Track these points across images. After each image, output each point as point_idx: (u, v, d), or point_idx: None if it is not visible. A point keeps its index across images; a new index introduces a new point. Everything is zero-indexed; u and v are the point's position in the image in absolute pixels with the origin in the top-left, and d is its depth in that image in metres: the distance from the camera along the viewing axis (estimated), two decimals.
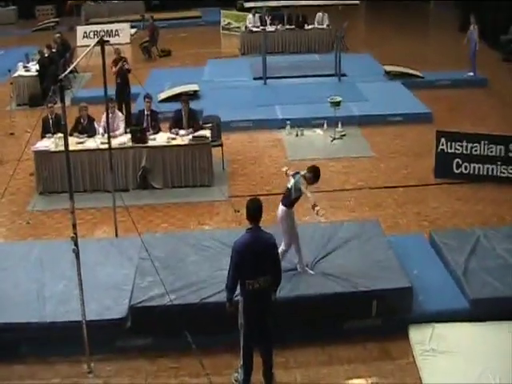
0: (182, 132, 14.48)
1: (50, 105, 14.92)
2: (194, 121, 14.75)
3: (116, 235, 11.57)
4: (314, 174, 9.50)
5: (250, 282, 7.83)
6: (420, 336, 9.02)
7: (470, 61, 21.21)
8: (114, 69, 17.12)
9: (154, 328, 9.11)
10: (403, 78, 20.95)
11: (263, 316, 8.05)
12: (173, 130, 14.56)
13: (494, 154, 13.80)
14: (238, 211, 12.28)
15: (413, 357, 8.77)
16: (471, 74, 21.15)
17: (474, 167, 13.98)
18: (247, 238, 7.90)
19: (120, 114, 15.30)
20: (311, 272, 9.72)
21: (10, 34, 33.32)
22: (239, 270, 7.84)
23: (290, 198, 9.50)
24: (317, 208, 9.07)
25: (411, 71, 21.24)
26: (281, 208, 9.59)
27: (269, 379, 8.31)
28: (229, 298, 8.06)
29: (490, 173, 13.89)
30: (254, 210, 7.90)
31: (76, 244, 8.29)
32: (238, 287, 7.98)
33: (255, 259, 7.83)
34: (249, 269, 7.84)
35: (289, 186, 9.54)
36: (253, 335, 8.06)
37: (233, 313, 8.07)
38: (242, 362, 8.20)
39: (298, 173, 9.54)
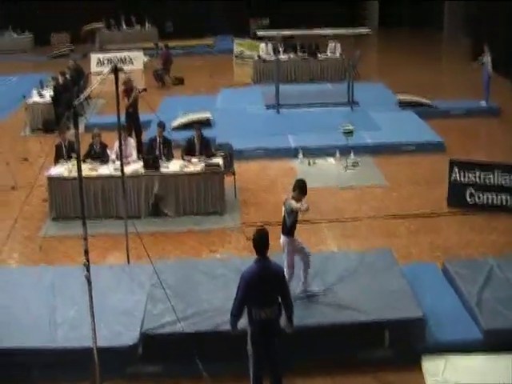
0: (194, 160, 14.52)
1: (60, 132, 14.95)
2: (206, 148, 14.81)
3: (128, 262, 11.55)
4: (299, 190, 9.50)
5: (257, 312, 7.84)
6: (433, 367, 8.93)
7: (482, 89, 21.21)
8: (126, 100, 17.00)
9: (165, 355, 9.08)
10: (416, 106, 20.96)
11: (271, 345, 8.03)
12: (185, 157, 14.61)
13: (507, 183, 13.74)
14: (250, 239, 12.23)
15: None
16: (483, 102, 21.15)
17: (488, 196, 13.93)
18: (255, 268, 7.91)
19: (132, 140, 15.36)
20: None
21: (26, 61, 33.68)
22: (246, 299, 7.86)
23: (287, 225, 9.57)
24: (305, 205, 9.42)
25: (423, 100, 21.26)
26: (282, 237, 9.69)
27: None
28: (232, 324, 8.06)
29: (503, 202, 13.83)
30: (260, 241, 7.92)
31: (88, 270, 8.27)
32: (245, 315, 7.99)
33: (263, 290, 7.85)
34: (256, 299, 7.86)
35: (283, 213, 9.64)
36: (261, 364, 8.04)
37: (238, 335, 8.06)
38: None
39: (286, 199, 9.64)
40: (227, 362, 8.75)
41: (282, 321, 8.13)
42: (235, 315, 8.00)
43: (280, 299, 8.06)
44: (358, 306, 9.47)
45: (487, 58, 20.99)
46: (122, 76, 10.63)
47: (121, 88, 16.00)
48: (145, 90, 17.98)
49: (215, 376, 8.64)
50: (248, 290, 7.82)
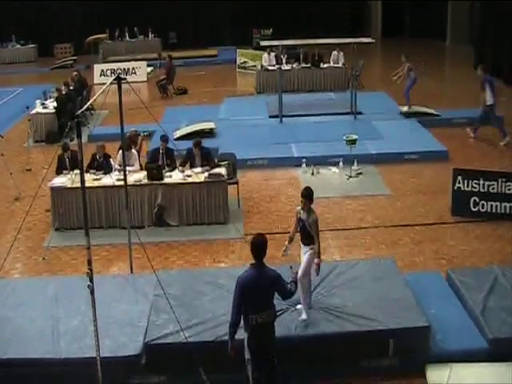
0: (197, 169, 14.51)
1: (63, 149, 14.91)
2: (207, 159, 14.80)
3: (131, 272, 11.55)
4: (309, 199, 9.46)
5: (253, 317, 7.85)
6: (438, 376, 8.88)
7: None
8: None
9: (168, 365, 9.05)
10: (419, 116, 20.94)
11: (268, 349, 8.05)
12: (180, 168, 14.60)
13: (511, 192, 13.71)
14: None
15: None
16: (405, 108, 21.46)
17: (492, 205, 13.89)
18: (251, 272, 7.93)
19: (134, 151, 15.32)
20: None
21: (30, 72, 33.75)
22: (243, 304, 7.87)
23: (309, 235, 9.48)
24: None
25: (427, 110, 21.23)
26: (305, 248, 9.57)
27: None
28: (231, 335, 8.02)
29: (507, 211, 13.79)
30: (258, 246, 7.93)
31: (91, 280, 8.25)
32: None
33: (259, 294, 7.87)
34: (252, 304, 7.87)
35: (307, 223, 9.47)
36: (260, 369, 8.01)
37: (234, 355, 8.05)
38: None
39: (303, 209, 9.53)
40: (230, 371, 8.71)
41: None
42: (234, 323, 7.98)
43: (282, 299, 8.28)
44: (362, 314, 9.45)
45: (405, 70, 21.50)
46: (126, 87, 10.55)
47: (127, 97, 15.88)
48: (149, 134, 18.20)
49: None
50: (244, 294, 7.84)
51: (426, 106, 21.49)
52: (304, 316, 9.39)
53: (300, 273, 9.20)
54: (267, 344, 8.04)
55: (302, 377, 8.94)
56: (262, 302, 7.92)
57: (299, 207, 9.54)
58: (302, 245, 9.62)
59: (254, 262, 7.96)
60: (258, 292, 7.84)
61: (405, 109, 21.40)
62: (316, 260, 9.39)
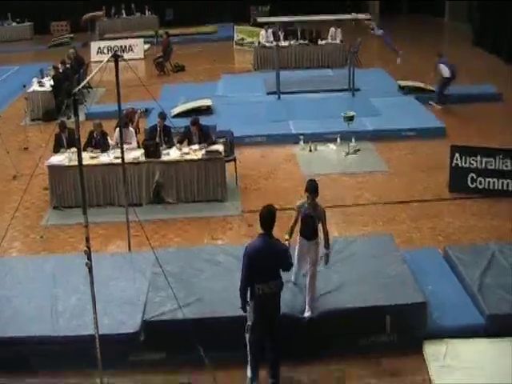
0: (195, 146, 14.50)
1: (60, 127, 14.87)
2: (205, 137, 14.77)
3: (129, 250, 11.56)
4: (316, 193, 9.10)
5: (260, 287, 7.97)
6: (435, 352, 8.94)
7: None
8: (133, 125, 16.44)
9: (167, 343, 9.09)
10: (417, 92, 20.89)
11: (273, 316, 8.23)
12: (178, 146, 14.60)
13: (508, 168, 13.71)
14: (252, 225, 12.27)
15: (427, 373, 8.69)
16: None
17: (489, 182, 13.90)
18: (259, 243, 8.02)
19: (132, 129, 15.30)
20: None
21: (26, 50, 33.59)
22: (250, 274, 7.95)
23: (315, 229, 9.27)
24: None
25: (425, 86, 21.16)
26: (311, 243, 9.28)
27: (275, 376, 8.48)
28: (243, 304, 8.18)
29: (504, 187, 13.80)
30: (267, 217, 8.00)
31: (89, 258, 8.27)
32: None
33: (266, 264, 7.97)
34: (260, 273, 7.98)
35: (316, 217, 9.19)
36: (262, 330, 8.21)
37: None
38: (249, 357, 8.33)
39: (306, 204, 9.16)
40: (229, 349, 8.75)
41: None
42: (243, 293, 8.11)
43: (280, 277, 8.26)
44: (359, 291, 9.48)
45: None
46: (123, 65, 10.49)
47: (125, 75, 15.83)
48: (146, 111, 18.17)
49: (217, 363, 8.63)
50: (252, 264, 7.94)
51: (423, 82, 21.38)
52: (309, 313, 9.18)
53: (310, 271, 9.20)
54: (272, 314, 8.20)
55: (300, 354, 8.98)
56: (269, 272, 8.03)
57: (302, 202, 9.16)
58: (303, 240, 9.27)
59: (262, 232, 8.04)
60: (266, 262, 7.95)
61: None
62: (326, 250, 9.27)
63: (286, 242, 8.93)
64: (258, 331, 8.21)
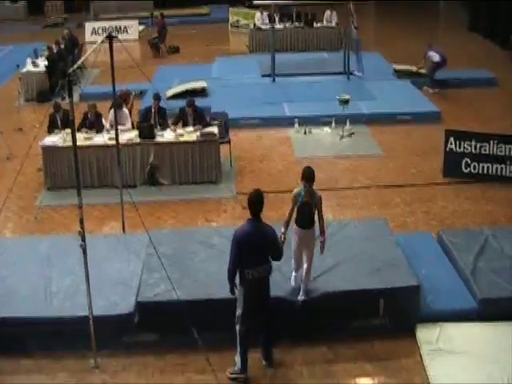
0: (189, 128, 14.48)
1: (55, 107, 14.83)
2: (200, 118, 14.73)
3: (123, 231, 11.57)
4: (313, 181, 8.93)
5: (249, 272, 8.00)
6: (427, 335, 8.98)
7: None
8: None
9: (160, 324, 9.12)
10: (412, 77, 20.85)
11: (263, 299, 8.28)
12: (172, 127, 14.56)
13: (503, 153, 13.73)
14: (246, 208, 12.25)
15: (420, 356, 8.74)
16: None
17: (483, 167, 13.92)
18: (248, 227, 8.04)
19: (126, 110, 15.25)
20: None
21: (20, 30, 33.32)
22: (239, 259, 7.97)
23: (312, 217, 9.11)
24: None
25: (417, 70, 21.09)
26: (309, 232, 9.12)
27: (269, 356, 8.59)
28: (231, 287, 8.21)
29: (498, 173, 13.83)
30: (256, 201, 8.02)
31: (83, 239, 8.29)
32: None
33: (256, 249, 7.99)
34: (249, 258, 7.99)
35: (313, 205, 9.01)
36: (252, 315, 8.23)
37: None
38: (238, 348, 8.36)
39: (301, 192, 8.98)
40: (223, 330, 8.77)
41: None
42: (232, 278, 8.14)
43: (272, 259, 8.26)
44: (352, 274, 9.50)
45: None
46: (117, 46, 10.43)
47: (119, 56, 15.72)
48: (140, 93, 18.12)
49: (211, 345, 8.66)
50: (241, 249, 7.95)
51: (416, 66, 21.29)
52: (303, 296, 9.14)
53: (308, 259, 9.11)
54: (262, 298, 8.24)
55: (294, 336, 9.01)
56: (259, 256, 8.05)
57: (298, 190, 8.95)
58: (299, 230, 9.06)
59: (250, 217, 8.05)
60: (255, 247, 7.97)
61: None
62: (321, 238, 9.10)
63: (282, 236, 8.88)
64: (248, 321, 8.23)
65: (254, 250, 7.98)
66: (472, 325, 9.15)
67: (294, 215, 9.06)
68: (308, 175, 8.83)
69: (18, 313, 9.01)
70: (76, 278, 9.48)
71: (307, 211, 8.97)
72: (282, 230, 8.96)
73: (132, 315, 9.01)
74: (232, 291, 8.25)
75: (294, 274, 9.37)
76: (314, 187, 9.06)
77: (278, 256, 8.32)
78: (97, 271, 9.21)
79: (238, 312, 8.26)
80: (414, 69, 20.92)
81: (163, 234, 11.00)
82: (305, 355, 8.87)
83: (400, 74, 21.15)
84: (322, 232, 9.11)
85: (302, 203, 8.91)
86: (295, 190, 9.00)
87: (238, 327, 8.32)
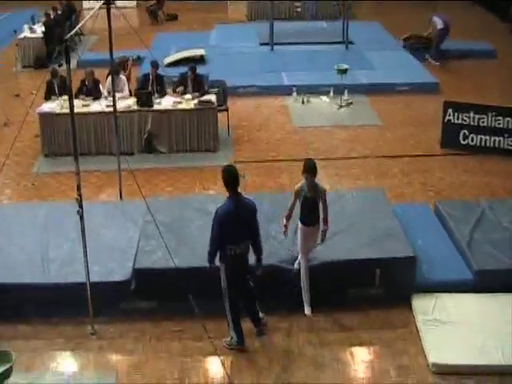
0: (187, 96, 14.43)
1: (52, 73, 14.75)
2: (199, 86, 14.69)
3: (121, 198, 11.57)
4: (315, 174, 8.72)
5: (231, 248, 8.03)
6: (423, 306, 9.02)
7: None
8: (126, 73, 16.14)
9: (157, 291, 9.15)
10: (418, 44, 20.61)
11: (245, 275, 8.35)
12: (178, 89, 14.55)
13: (501, 125, 13.70)
14: (243, 177, 12.25)
15: (415, 326, 8.79)
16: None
17: (481, 139, 13.90)
18: (229, 205, 8.01)
19: (123, 76, 15.17)
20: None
21: None
22: (222, 236, 7.98)
23: (319, 213, 8.97)
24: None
25: (427, 35, 20.76)
26: (313, 227, 9.01)
27: (259, 323, 8.69)
28: (210, 263, 8.20)
29: (496, 145, 13.82)
30: (230, 176, 7.97)
31: (80, 206, 8.27)
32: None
33: (238, 226, 7.99)
34: (231, 235, 8.01)
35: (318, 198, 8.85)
36: (238, 292, 8.32)
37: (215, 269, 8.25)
38: (231, 325, 8.44)
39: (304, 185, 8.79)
40: (219, 298, 8.79)
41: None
42: (212, 254, 8.15)
43: (251, 237, 8.23)
44: (349, 244, 9.51)
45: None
46: (114, 13, 10.34)
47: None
48: (138, 58, 17.98)
49: (207, 312, 8.68)
50: (224, 226, 7.94)
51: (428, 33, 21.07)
52: (308, 311, 9.07)
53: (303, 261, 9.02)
54: (244, 273, 8.33)
55: (291, 305, 9.06)
56: (241, 232, 8.07)
57: (300, 185, 8.76)
58: (305, 227, 8.89)
59: (229, 194, 8.01)
60: (237, 223, 7.97)
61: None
62: (324, 227, 8.96)
63: (284, 227, 8.91)
64: (233, 295, 8.28)
65: (236, 226, 7.96)
66: (467, 296, 9.18)
67: (299, 211, 8.91)
68: (309, 168, 8.62)
69: (16, 279, 9.03)
70: (73, 245, 9.49)
71: (312, 206, 8.81)
72: (284, 222, 8.93)
73: (129, 282, 9.02)
74: (211, 265, 8.18)
75: (299, 259, 9.26)
76: (319, 181, 8.95)
77: (258, 237, 8.31)
78: (94, 238, 9.21)
79: (224, 286, 8.30)
80: (424, 34, 20.69)
81: (160, 202, 11.01)
82: (301, 323, 8.92)
83: (410, 43, 20.90)
84: (326, 221, 8.95)
85: (305, 198, 8.75)
86: (298, 185, 8.84)
87: (227, 305, 8.36)
